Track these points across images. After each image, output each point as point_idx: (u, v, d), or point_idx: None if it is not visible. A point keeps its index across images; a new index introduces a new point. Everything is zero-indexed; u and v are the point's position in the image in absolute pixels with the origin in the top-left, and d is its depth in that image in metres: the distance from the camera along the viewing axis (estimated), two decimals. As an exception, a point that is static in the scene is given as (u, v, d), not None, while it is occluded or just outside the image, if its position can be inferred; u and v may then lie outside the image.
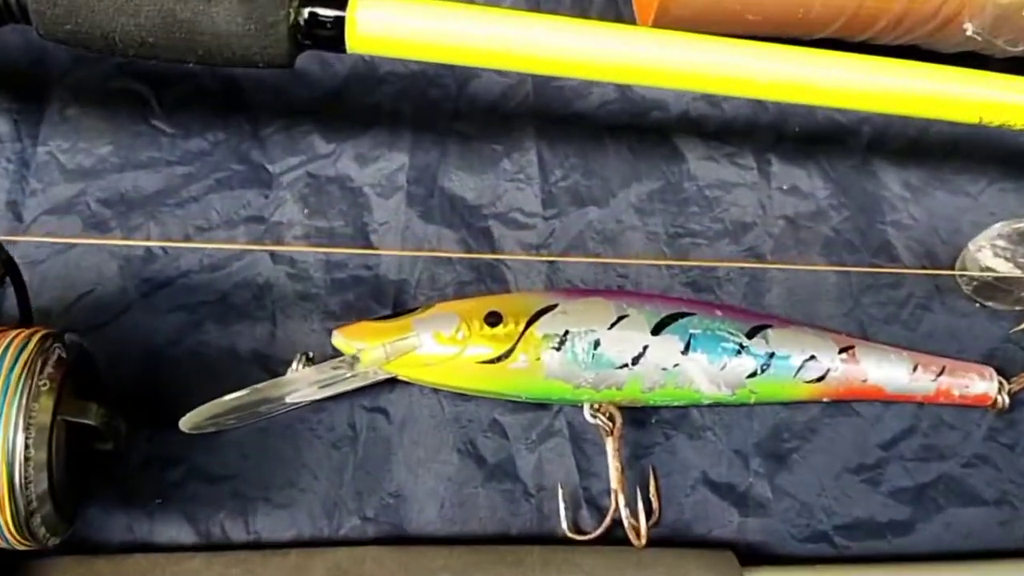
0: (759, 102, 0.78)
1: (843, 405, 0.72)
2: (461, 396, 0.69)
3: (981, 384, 0.70)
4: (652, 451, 0.70)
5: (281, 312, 0.69)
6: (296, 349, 0.64)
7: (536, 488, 0.68)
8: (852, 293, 0.74)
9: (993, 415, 0.72)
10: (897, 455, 0.71)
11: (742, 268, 0.74)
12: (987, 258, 0.70)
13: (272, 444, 0.66)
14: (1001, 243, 0.70)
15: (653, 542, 0.65)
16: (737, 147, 0.78)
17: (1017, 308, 0.74)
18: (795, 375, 0.67)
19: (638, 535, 0.63)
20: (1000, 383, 0.70)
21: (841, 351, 0.69)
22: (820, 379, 0.68)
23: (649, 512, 0.66)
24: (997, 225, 0.70)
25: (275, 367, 0.66)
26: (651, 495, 0.68)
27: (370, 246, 0.71)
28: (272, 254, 0.70)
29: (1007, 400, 0.70)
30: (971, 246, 0.71)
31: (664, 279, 0.73)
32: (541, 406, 0.70)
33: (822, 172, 0.77)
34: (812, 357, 0.68)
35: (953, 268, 0.74)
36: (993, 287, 0.72)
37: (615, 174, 0.76)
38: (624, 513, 0.63)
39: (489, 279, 0.72)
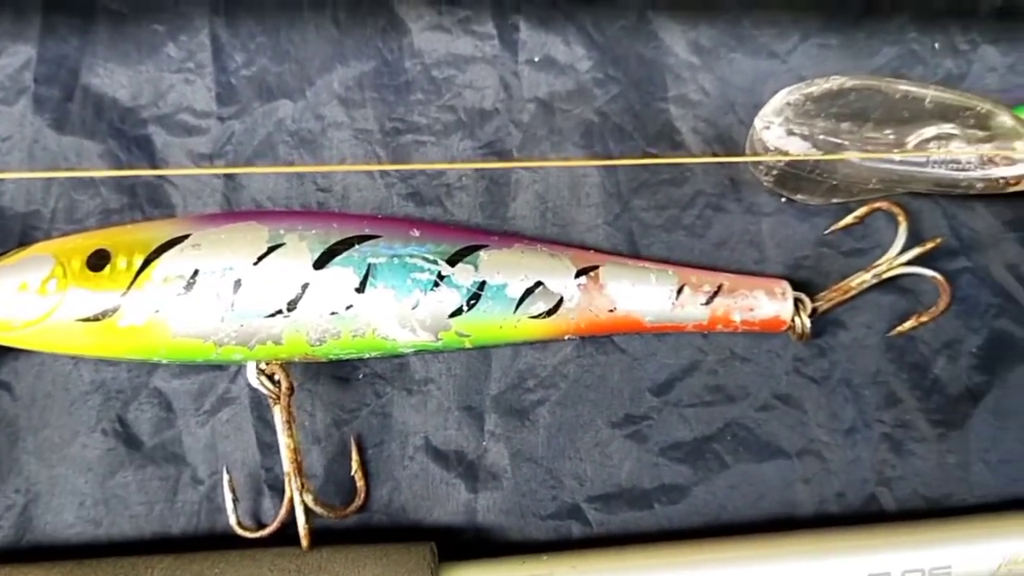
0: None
1: (602, 340, 0.56)
2: (107, 360, 0.54)
3: (770, 305, 0.53)
4: (358, 415, 0.56)
5: None
6: None
7: (208, 473, 0.55)
8: (620, 194, 0.57)
9: (799, 342, 0.55)
10: (673, 401, 0.56)
11: (478, 170, 0.57)
12: (777, 137, 0.52)
13: None
14: (791, 115, 0.52)
15: (353, 533, 0.54)
16: (473, 9, 0.59)
17: (834, 201, 0.56)
18: (516, 310, 0.51)
19: (307, 532, 0.49)
20: (798, 301, 0.53)
21: (580, 273, 0.52)
22: (551, 312, 0.51)
23: (353, 495, 0.54)
24: (782, 93, 0.52)
25: None
26: (353, 473, 0.54)
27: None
28: None
29: (807, 323, 0.53)
30: (757, 123, 0.53)
31: (379, 191, 0.58)
32: (217, 367, 0.55)
33: (584, 37, 0.59)
34: (539, 285, 0.51)
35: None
36: (798, 176, 0.54)
37: (314, 55, 0.59)
38: (298, 501, 0.49)
39: (148, 203, 0.57)
